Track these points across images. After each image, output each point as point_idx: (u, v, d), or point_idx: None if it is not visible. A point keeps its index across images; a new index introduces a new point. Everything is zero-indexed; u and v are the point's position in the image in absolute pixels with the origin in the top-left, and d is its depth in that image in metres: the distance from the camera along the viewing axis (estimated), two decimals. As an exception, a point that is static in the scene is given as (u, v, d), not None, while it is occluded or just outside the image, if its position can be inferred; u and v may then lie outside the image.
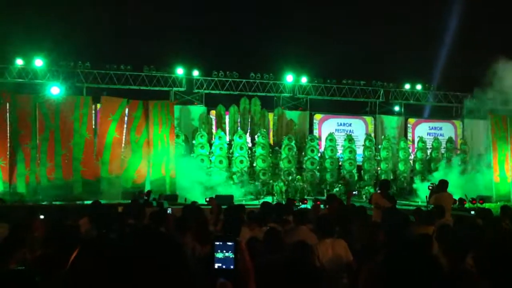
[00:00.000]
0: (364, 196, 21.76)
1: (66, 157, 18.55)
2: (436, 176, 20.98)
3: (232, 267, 2.15)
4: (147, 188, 18.53)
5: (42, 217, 8.50)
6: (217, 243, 2.21)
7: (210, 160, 22.58)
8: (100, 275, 1.04)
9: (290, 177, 22.57)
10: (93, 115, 19.63)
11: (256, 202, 19.09)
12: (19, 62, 23.00)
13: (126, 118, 19.17)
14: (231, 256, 2.17)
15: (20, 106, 18.43)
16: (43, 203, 16.85)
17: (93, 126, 19.31)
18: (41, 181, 18.24)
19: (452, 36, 25.70)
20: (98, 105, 20.90)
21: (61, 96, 19.92)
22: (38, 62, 23.04)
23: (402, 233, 5.91)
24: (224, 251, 2.18)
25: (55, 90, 22.67)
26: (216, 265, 2.17)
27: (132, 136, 19.12)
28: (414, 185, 24.85)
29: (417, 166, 25.54)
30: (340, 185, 23.03)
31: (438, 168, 24.43)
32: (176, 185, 19.33)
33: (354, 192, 20.47)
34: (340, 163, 24.76)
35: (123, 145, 19.09)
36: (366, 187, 23.08)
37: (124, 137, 19.07)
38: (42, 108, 18.52)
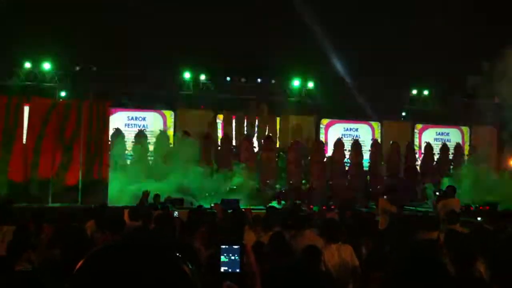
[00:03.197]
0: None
1: None
2: (444, 182, 20.93)
3: (238, 270, 2.14)
4: (80, 191, 17.91)
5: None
6: (223, 246, 2.20)
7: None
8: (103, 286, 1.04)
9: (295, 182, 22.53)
10: (24, 116, 18.37)
11: (262, 206, 19.06)
12: (27, 65, 23.14)
13: (56, 119, 18.22)
14: (237, 260, 2.16)
15: None
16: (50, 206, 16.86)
17: (24, 127, 18.29)
18: None
19: (460, 41, 25.58)
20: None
21: None
22: (46, 65, 23.17)
23: (408, 239, 5.89)
24: (230, 255, 2.17)
25: (62, 93, 22.82)
26: (222, 269, 2.16)
27: (62, 138, 18.18)
28: (421, 191, 24.76)
29: (424, 172, 25.39)
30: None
31: (446, 173, 24.30)
32: (111, 189, 18.36)
33: None
34: (347, 168, 24.66)
35: (53, 147, 18.11)
36: None
37: (54, 138, 18.14)
38: None
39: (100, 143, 18.73)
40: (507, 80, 20.91)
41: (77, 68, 23.89)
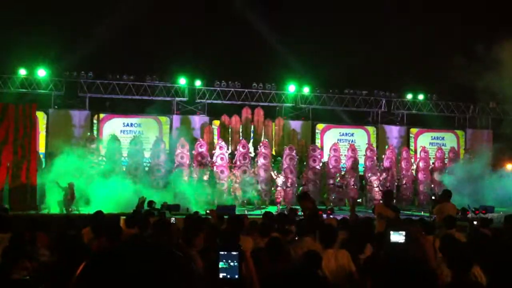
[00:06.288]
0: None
1: None
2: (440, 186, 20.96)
3: (236, 276, 2.14)
4: (5, 197, 17.60)
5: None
6: (222, 252, 2.20)
7: (212, 170, 22.60)
8: None
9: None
10: None
11: (258, 212, 19.04)
12: (22, 72, 23.08)
13: None
14: (236, 266, 2.16)
15: None
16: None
17: None
18: None
19: (454, 46, 25.66)
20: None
21: None
22: (41, 72, 23.12)
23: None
24: (229, 261, 2.17)
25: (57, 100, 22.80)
26: (221, 275, 2.16)
27: None
28: (417, 195, 24.85)
29: (420, 176, 25.47)
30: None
31: (442, 178, 24.35)
32: (39, 192, 18.13)
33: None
34: (342, 173, 24.70)
35: None
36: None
37: None
38: None
39: (27, 147, 18.23)
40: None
41: (73, 75, 23.83)
